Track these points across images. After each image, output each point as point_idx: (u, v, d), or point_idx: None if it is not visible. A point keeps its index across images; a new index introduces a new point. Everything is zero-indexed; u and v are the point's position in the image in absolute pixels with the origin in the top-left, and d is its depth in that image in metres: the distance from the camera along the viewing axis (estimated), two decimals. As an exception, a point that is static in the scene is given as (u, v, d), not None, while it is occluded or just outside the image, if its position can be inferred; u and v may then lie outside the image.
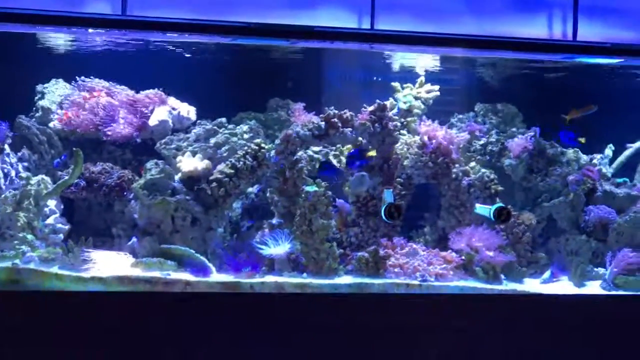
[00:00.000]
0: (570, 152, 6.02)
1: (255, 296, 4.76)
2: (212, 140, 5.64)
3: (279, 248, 5.02)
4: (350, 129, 5.50)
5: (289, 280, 4.89)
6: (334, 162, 5.74)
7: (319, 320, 4.69)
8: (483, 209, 5.20)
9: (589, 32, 5.07)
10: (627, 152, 6.40)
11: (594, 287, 5.33)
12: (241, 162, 5.24)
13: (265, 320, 4.63)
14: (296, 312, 4.71)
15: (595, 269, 5.47)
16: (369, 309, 4.80)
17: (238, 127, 5.77)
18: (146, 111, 5.71)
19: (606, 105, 6.19)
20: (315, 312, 4.72)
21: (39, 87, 5.88)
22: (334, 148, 5.82)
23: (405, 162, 5.59)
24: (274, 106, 6.11)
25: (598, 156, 6.21)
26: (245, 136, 5.68)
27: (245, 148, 5.37)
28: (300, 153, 5.41)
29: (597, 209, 5.69)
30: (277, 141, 5.38)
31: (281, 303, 4.75)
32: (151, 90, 5.78)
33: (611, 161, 6.33)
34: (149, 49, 5.66)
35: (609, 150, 6.30)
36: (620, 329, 5.02)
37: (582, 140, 5.56)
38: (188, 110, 5.83)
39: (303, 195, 5.08)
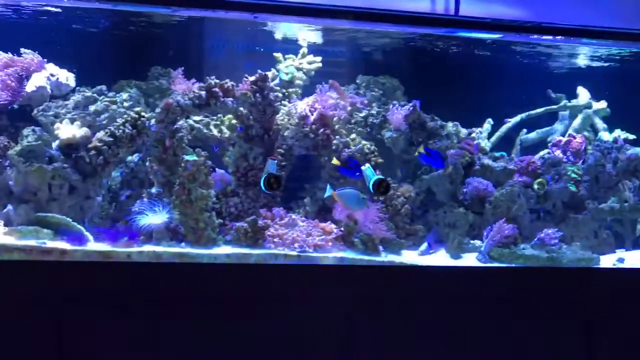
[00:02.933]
0: (450, 126, 6.20)
1: (131, 265, 4.78)
2: (92, 108, 5.63)
3: (157, 217, 5.05)
4: (231, 99, 5.55)
5: (167, 249, 4.92)
6: (215, 132, 5.79)
7: (197, 290, 4.73)
8: (369, 172, 5.31)
9: (471, 7, 5.21)
10: (505, 127, 6.64)
11: (470, 259, 5.49)
12: (120, 130, 5.25)
13: (142, 289, 4.66)
14: (174, 281, 4.74)
15: (472, 241, 5.65)
16: (247, 279, 4.85)
17: (118, 95, 5.78)
18: (23, 76, 5.64)
19: (486, 81, 6.41)
20: (193, 282, 4.76)
21: None
22: (215, 118, 5.87)
23: (286, 133, 5.68)
24: (155, 74, 6.11)
25: (477, 130, 6.42)
26: (125, 104, 5.69)
27: (125, 116, 5.38)
28: (180, 122, 5.44)
29: (475, 182, 5.85)
30: (158, 110, 5.39)
31: (158, 272, 4.77)
32: (27, 52, 5.70)
33: (490, 135, 6.55)
34: (25, 14, 5.59)
35: (487, 125, 6.51)
36: (495, 299, 5.18)
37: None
38: (67, 77, 5.79)
39: (183, 165, 5.11)
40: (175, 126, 5.35)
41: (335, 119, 5.74)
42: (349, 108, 5.88)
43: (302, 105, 5.74)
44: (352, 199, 5.27)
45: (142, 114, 5.36)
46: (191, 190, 5.06)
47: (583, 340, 5.31)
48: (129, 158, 5.63)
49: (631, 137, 6.42)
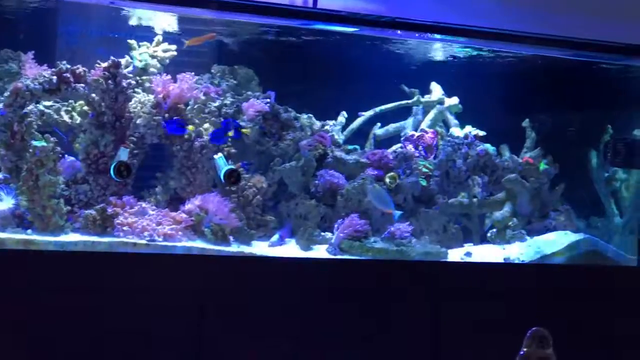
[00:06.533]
0: (304, 118, 6.32)
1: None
2: None
3: (2, 203, 5.05)
4: (83, 84, 5.57)
5: (12, 236, 4.93)
6: (66, 117, 5.79)
7: (42, 278, 4.74)
8: (221, 162, 5.41)
9: (331, 0, 5.36)
10: (359, 120, 6.78)
11: (320, 251, 5.65)
12: (-34, 114, 5.25)
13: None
14: (19, 269, 4.74)
15: (323, 233, 5.80)
16: (95, 268, 4.88)
17: (-36, 77, 5.75)
18: None
19: (342, 74, 6.56)
20: (39, 270, 4.77)
21: None
22: (66, 103, 5.87)
23: (139, 121, 5.72)
24: (4, 57, 6.04)
25: (331, 122, 6.56)
26: (-28, 88, 5.67)
27: (-29, 99, 5.37)
28: (30, 107, 5.44)
29: (327, 175, 6.01)
30: (6, 94, 5.38)
31: (2, 259, 4.76)
32: None
33: (343, 128, 6.71)
34: None
35: (341, 118, 6.64)
36: (343, 291, 5.36)
37: (191, 127, 5.71)
38: None
39: (31, 150, 5.12)
40: (24, 111, 5.33)
41: (188, 107, 5.79)
42: (202, 97, 5.93)
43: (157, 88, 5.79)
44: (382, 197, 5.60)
45: (-11, 97, 5.34)
46: (39, 177, 5.06)
47: (430, 331, 5.53)
48: (-24, 142, 5.57)
49: (481, 133, 6.63)
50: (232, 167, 5.36)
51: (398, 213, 5.76)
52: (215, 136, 5.63)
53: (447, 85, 7.00)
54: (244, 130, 5.69)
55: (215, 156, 5.46)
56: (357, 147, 6.46)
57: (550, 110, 7.21)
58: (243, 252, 5.39)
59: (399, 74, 6.94)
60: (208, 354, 5.07)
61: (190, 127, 5.63)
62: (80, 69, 5.59)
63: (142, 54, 6.03)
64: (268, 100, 6.10)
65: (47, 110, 5.77)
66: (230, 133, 5.65)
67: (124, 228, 5.20)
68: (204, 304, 5.03)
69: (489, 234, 6.34)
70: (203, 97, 5.96)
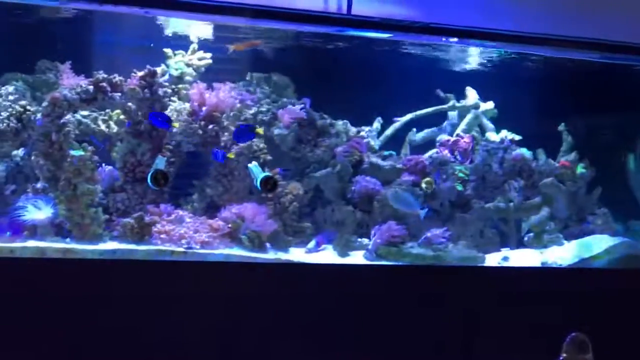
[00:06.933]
0: (340, 124, 6.32)
1: (15, 260, 4.81)
2: (-25, 101, 5.65)
3: (41, 212, 5.08)
4: (119, 94, 5.61)
5: (52, 245, 4.96)
6: (103, 127, 5.84)
7: (81, 286, 4.79)
8: (256, 170, 5.44)
9: (364, 7, 5.31)
10: (394, 126, 6.78)
11: (357, 257, 5.64)
12: (5, 124, 5.29)
13: (25, 285, 4.69)
14: (59, 277, 4.79)
15: (360, 239, 5.80)
16: (133, 276, 4.93)
17: (3, 88, 5.78)
18: None
19: (377, 80, 6.55)
20: (77, 278, 4.82)
21: None
22: (102, 113, 5.91)
23: (175, 129, 5.73)
24: (42, 68, 6.10)
25: (366, 129, 6.55)
26: (11, 97, 5.68)
27: (10, 110, 5.42)
28: (67, 117, 5.47)
29: (364, 181, 6.00)
30: (44, 104, 5.41)
31: (42, 268, 4.82)
32: None
33: (379, 134, 6.70)
34: None
35: (377, 124, 6.65)
36: (380, 297, 5.36)
37: (176, 124, 5.69)
38: (-49, 70, 5.78)
39: (69, 160, 5.15)
40: (62, 121, 5.37)
41: (224, 115, 5.81)
42: (238, 105, 5.95)
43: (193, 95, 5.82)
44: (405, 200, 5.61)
45: (28, 107, 5.39)
46: (77, 186, 5.10)
47: (465, 337, 5.52)
48: (14, 152, 5.63)
49: (517, 137, 6.61)
50: (269, 174, 5.37)
51: (423, 212, 5.74)
52: (239, 133, 5.64)
53: (482, 90, 6.97)
54: (258, 130, 5.68)
55: (249, 164, 5.47)
56: (392, 152, 6.44)
57: (587, 114, 7.17)
58: (280, 258, 5.40)
59: (434, 79, 6.92)
60: (246, 360, 5.08)
61: (175, 125, 5.63)
62: (116, 78, 5.62)
63: (177, 62, 6.06)
64: (303, 106, 6.08)
65: (84, 120, 5.82)
66: (259, 130, 5.66)
67: (162, 236, 5.23)
68: (241, 310, 5.05)
69: (525, 239, 6.30)
70: (239, 105, 5.97)
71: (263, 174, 5.35)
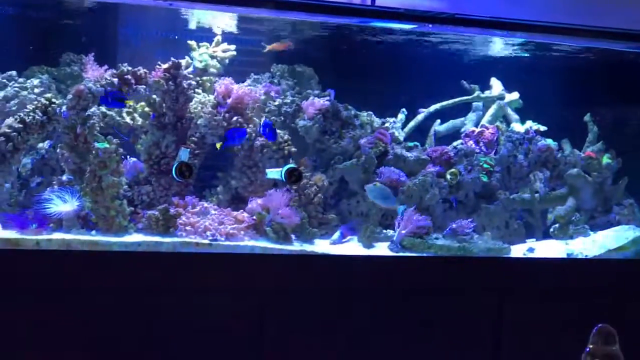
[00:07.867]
0: (364, 116, 6.31)
1: (40, 253, 4.83)
2: (1, 94, 5.66)
3: (67, 205, 5.08)
4: (144, 86, 5.61)
5: (77, 237, 4.97)
6: (127, 119, 5.85)
7: (107, 278, 4.80)
8: (274, 173, 5.44)
9: (388, -3, 5.34)
10: (419, 117, 6.76)
11: (382, 249, 5.62)
12: (30, 117, 5.29)
13: (50, 277, 4.71)
14: (84, 269, 4.80)
15: (384, 231, 5.78)
16: (159, 268, 4.94)
17: (29, 80, 5.81)
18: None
19: (401, 71, 6.53)
20: (103, 270, 4.83)
21: None
22: (127, 105, 5.91)
23: (199, 121, 5.75)
24: (67, 61, 6.12)
25: (391, 120, 6.53)
26: (36, 90, 5.72)
27: (35, 102, 5.43)
28: (92, 109, 5.47)
29: (388, 172, 5.97)
30: (69, 96, 5.42)
31: (67, 260, 4.83)
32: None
33: (404, 125, 6.68)
34: None
35: (401, 115, 6.63)
36: (405, 288, 5.36)
37: (129, 102, 5.67)
38: (-24, 62, 5.80)
39: (94, 152, 5.15)
40: (86, 113, 5.37)
41: (249, 106, 5.81)
42: (262, 97, 5.95)
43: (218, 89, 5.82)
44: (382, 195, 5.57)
45: (53, 100, 5.39)
46: (102, 178, 5.10)
47: (492, 327, 5.50)
48: (40, 145, 5.65)
49: (542, 128, 6.57)
50: (293, 165, 5.36)
51: (401, 208, 5.70)
52: (266, 127, 5.62)
53: (507, 81, 6.94)
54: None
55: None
56: (417, 143, 6.40)
57: (612, 104, 7.13)
58: (305, 250, 5.39)
59: (458, 70, 6.90)
60: (271, 353, 5.09)
61: (129, 102, 5.62)
62: (141, 70, 5.62)
63: (201, 54, 6.05)
64: (328, 97, 6.07)
65: (109, 112, 5.83)
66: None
67: (187, 228, 5.23)
68: (266, 302, 5.05)
69: (551, 230, 6.26)
70: (263, 97, 5.96)
71: (288, 165, 5.33)
